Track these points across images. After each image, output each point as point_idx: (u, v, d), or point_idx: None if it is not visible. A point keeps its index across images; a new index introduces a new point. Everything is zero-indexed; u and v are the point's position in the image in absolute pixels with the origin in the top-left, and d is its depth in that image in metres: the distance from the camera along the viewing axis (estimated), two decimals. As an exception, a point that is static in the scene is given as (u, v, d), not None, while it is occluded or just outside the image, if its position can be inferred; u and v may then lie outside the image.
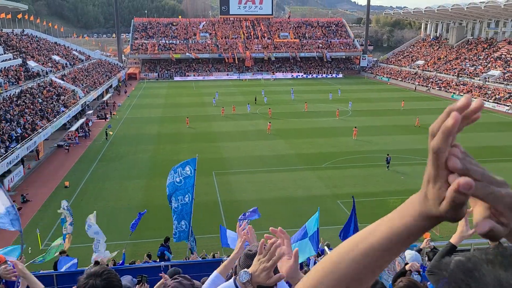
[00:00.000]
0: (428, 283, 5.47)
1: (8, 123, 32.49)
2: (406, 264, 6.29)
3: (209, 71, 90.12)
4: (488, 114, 49.52)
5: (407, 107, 52.31)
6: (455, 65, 73.05)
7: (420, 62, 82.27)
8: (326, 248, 12.86)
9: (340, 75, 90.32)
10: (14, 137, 30.59)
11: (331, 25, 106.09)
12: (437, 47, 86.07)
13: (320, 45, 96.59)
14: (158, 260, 14.03)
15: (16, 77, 42.88)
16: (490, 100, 56.50)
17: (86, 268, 10.35)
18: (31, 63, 51.01)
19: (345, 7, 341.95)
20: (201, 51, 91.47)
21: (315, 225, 10.88)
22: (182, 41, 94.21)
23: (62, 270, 11.45)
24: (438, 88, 68.69)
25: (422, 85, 72.18)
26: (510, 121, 47.08)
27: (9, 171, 27.52)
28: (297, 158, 32.75)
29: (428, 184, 0.89)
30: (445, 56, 78.86)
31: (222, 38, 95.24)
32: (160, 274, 5.79)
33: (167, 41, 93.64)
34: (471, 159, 0.86)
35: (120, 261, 14.21)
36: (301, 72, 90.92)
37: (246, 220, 12.61)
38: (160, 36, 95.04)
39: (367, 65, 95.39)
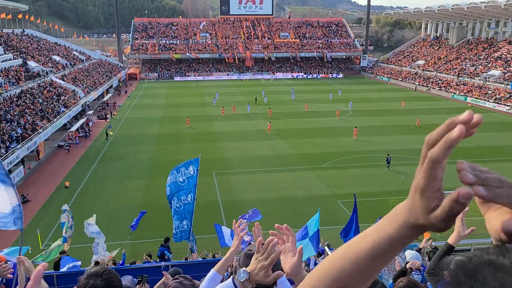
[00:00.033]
0: (428, 283, 5.46)
1: (9, 123, 32.51)
2: (407, 263, 6.29)
3: (210, 71, 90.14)
4: (488, 114, 49.52)
5: (407, 107, 52.31)
6: (456, 65, 73.04)
7: (421, 62, 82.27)
8: (326, 248, 12.86)
9: (341, 75, 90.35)
10: (14, 137, 30.60)
11: (331, 25, 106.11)
12: (438, 47, 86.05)
13: (320, 45, 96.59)
14: (158, 260, 14.06)
15: (17, 77, 42.90)
16: (490, 100, 56.51)
17: (86, 268, 10.35)
18: (32, 63, 51.03)
19: (345, 7, 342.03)
20: (201, 51, 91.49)
21: (315, 226, 10.93)
22: (182, 41, 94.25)
23: (65, 269, 11.46)
24: (438, 88, 68.67)
25: (423, 85, 72.17)
26: (510, 121, 47.07)
27: (9, 171, 27.52)
28: (297, 158, 32.76)
29: (415, 193, 0.88)
30: (446, 56, 78.85)
31: (222, 38, 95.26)
32: (163, 272, 5.79)
33: (167, 41, 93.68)
34: (480, 169, 0.85)
35: (120, 261, 14.21)
36: (301, 72, 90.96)
37: (246, 221, 12.62)
38: (161, 36, 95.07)
39: (368, 65, 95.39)
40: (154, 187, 26.45)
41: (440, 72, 73.39)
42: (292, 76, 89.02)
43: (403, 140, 37.31)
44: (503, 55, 67.46)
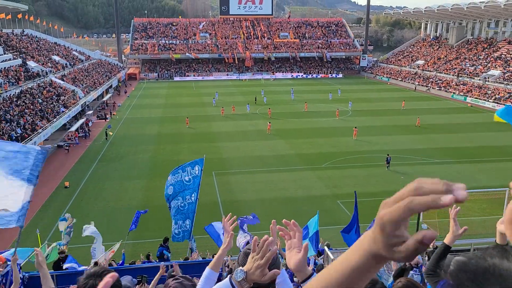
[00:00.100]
0: (428, 283, 5.46)
1: (8, 124, 32.50)
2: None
3: (209, 71, 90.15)
4: (488, 114, 49.51)
5: (407, 107, 52.33)
6: (455, 65, 73.07)
7: (420, 62, 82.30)
8: (326, 248, 12.85)
9: (340, 75, 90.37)
10: (14, 138, 30.58)
11: (331, 25, 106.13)
12: (437, 47, 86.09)
13: (320, 45, 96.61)
14: (157, 260, 14.09)
15: (16, 77, 42.89)
16: (490, 100, 56.52)
17: (86, 268, 10.35)
18: (31, 64, 51.02)
19: (345, 7, 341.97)
20: (201, 51, 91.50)
21: (315, 227, 10.98)
22: (182, 41, 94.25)
23: (67, 265, 11.48)
24: (438, 88, 68.70)
25: (422, 85, 72.20)
26: (510, 121, 47.01)
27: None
28: (297, 158, 32.75)
29: (377, 227, 0.88)
30: (445, 56, 78.88)
31: (222, 38, 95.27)
32: (160, 265, 5.77)
33: (167, 41, 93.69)
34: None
35: (120, 261, 14.21)
36: (301, 72, 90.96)
37: (239, 220, 12.63)
38: (160, 36, 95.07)
39: (367, 65, 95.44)
40: (154, 187, 26.42)
41: (440, 72, 73.42)
42: (292, 76, 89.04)
43: (403, 140, 37.31)
44: (502, 55, 67.49)
